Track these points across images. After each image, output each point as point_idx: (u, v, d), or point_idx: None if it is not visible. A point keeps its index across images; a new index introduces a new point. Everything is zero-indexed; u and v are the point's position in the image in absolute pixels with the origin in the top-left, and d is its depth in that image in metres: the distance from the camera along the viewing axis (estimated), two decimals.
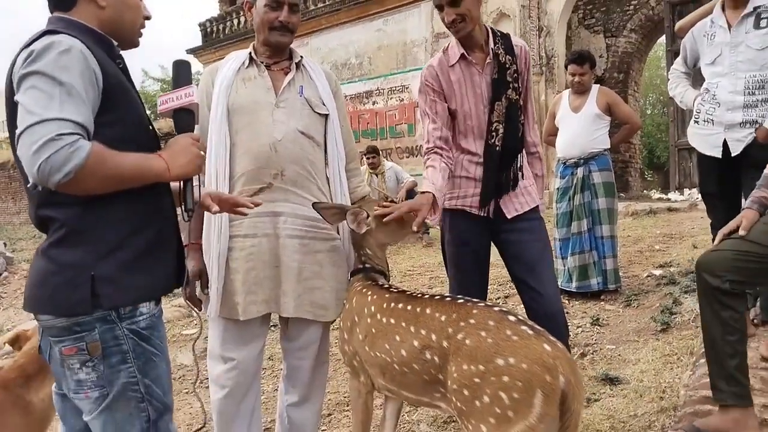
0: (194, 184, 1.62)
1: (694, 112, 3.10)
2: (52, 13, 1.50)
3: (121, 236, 1.44)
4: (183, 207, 1.59)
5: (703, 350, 2.48)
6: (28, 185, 1.36)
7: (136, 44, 1.61)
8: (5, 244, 7.95)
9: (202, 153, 1.54)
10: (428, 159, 2.30)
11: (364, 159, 8.21)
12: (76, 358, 1.42)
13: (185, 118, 1.59)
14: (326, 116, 2.22)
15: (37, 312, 1.44)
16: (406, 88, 11.83)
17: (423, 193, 2.19)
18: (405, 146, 11.16)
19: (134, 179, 1.42)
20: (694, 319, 3.44)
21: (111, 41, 1.50)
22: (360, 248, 2.18)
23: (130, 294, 1.46)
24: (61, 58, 1.31)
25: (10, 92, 1.36)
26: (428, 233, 7.69)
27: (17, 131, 1.28)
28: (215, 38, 15.31)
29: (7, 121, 1.40)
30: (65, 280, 1.39)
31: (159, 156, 1.45)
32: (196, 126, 1.66)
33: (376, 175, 8.03)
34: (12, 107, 1.35)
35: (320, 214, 2.13)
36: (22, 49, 1.36)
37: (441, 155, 2.28)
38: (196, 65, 16.68)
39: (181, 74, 1.64)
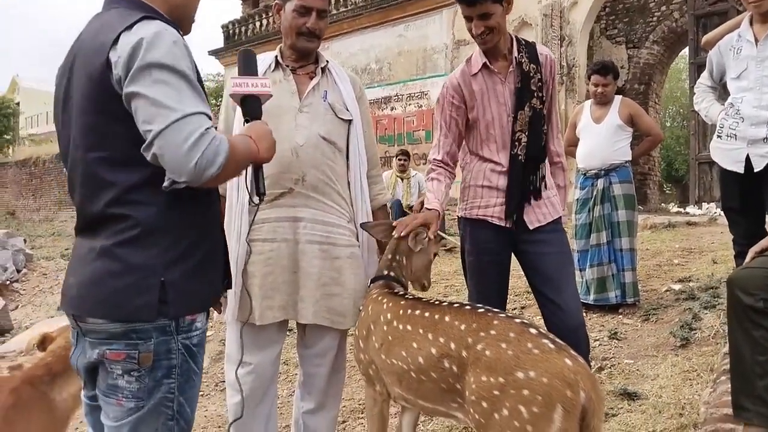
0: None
1: (718, 127, 3.06)
2: None
3: (190, 242, 1.40)
4: (256, 191, 1.58)
5: (725, 367, 2.44)
6: (165, 184, 1.30)
7: (189, 32, 1.58)
8: (25, 241, 8.05)
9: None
10: (433, 171, 2.37)
11: (395, 160, 8.23)
12: (120, 364, 1.35)
13: (255, 105, 1.59)
14: (349, 122, 2.22)
15: (88, 314, 1.36)
16: (425, 94, 11.83)
17: (429, 210, 2.24)
18: (422, 152, 11.13)
19: (246, 163, 1.43)
20: (714, 335, 3.39)
21: (179, 29, 1.42)
22: (392, 253, 2.18)
23: (192, 303, 1.42)
24: (174, 48, 1.29)
25: (100, 73, 1.29)
26: (444, 238, 7.68)
27: (156, 126, 1.24)
28: (237, 40, 15.43)
29: (83, 104, 1.34)
30: (130, 282, 1.32)
31: (251, 138, 1.43)
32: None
33: (402, 180, 8.03)
34: (93, 89, 1.31)
35: (369, 233, 2.21)
36: (119, 34, 1.29)
37: (446, 168, 2.36)
38: (218, 67, 16.83)
39: (250, 63, 1.67)
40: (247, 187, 1.70)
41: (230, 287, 1.72)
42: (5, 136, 27.44)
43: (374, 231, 2.24)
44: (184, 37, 1.49)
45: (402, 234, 2.13)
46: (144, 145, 1.27)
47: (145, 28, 1.29)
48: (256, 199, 1.61)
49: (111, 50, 1.29)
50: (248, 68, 1.67)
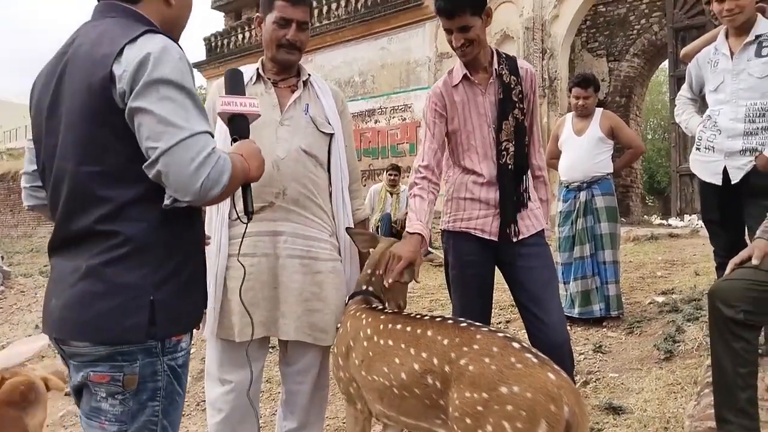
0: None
1: (696, 139, 3.09)
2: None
3: (179, 260, 1.37)
4: (244, 209, 1.56)
5: (708, 380, 2.43)
6: (165, 203, 1.29)
7: (178, 40, 1.54)
8: (2, 258, 7.90)
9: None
10: (416, 185, 2.29)
11: (386, 175, 8.22)
12: (104, 387, 1.31)
13: (243, 124, 1.58)
14: (331, 135, 2.20)
15: (72, 338, 1.31)
16: (409, 107, 11.86)
17: (412, 234, 2.14)
18: (406, 165, 11.12)
19: (241, 181, 1.40)
20: (697, 348, 3.40)
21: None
22: (371, 268, 2.15)
23: (180, 323, 1.39)
24: (180, 64, 1.28)
25: (102, 86, 1.26)
26: (431, 252, 7.66)
27: (162, 144, 1.21)
28: (219, 53, 15.39)
29: (80, 116, 1.30)
30: (118, 303, 1.28)
31: (242, 157, 1.41)
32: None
33: (392, 195, 8.01)
34: (93, 101, 1.27)
35: (352, 239, 2.19)
36: (123, 47, 1.26)
37: (430, 179, 2.28)
38: (199, 79, 16.78)
39: (236, 82, 1.68)
40: (233, 206, 1.68)
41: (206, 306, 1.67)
42: None
43: (357, 239, 2.22)
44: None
45: (390, 282, 2.05)
46: (147, 163, 1.24)
47: (150, 42, 1.27)
48: (245, 219, 1.58)
49: (115, 63, 1.25)
50: (235, 87, 1.66)
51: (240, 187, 1.49)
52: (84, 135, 1.29)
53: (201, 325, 2.09)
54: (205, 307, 1.61)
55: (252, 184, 1.94)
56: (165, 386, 1.35)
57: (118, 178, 1.30)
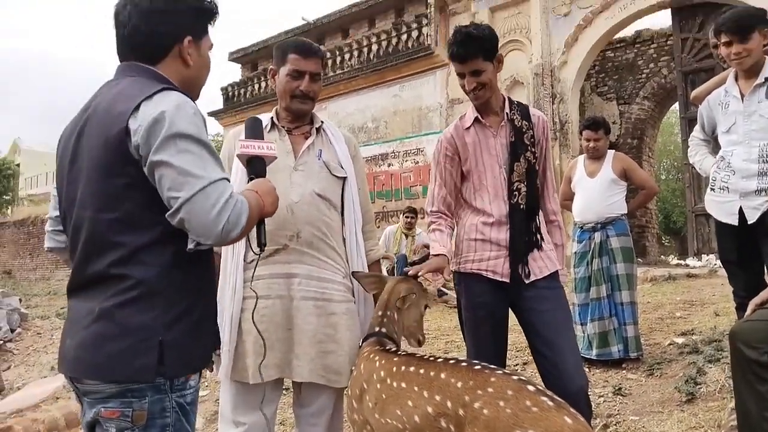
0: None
1: (711, 179, 3.09)
2: (125, 59, 1.51)
3: (188, 302, 1.42)
4: (257, 241, 1.66)
5: (732, 423, 2.38)
6: (189, 246, 1.36)
7: (197, 100, 1.64)
8: (20, 300, 7.97)
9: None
10: (433, 222, 2.40)
11: (402, 218, 8.28)
12: (114, 422, 1.34)
13: (260, 165, 1.70)
14: (344, 179, 2.24)
15: (86, 377, 1.36)
16: (421, 150, 11.99)
17: (436, 255, 2.27)
18: (419, 207, 11.20)
19: (258, 218, 1.50)
20: (719, 390, 3.32)
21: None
22: (383, 309, 2.16)
23: (191, 363, 1.43)
24: (195, 118, 1.36)
25: (118, 140, 1.34)
26: (446, 293, 7.62)
27: (184, 194, 1.29)
28: (236, 102, 15.74)
29: (97, 167, 1.38)
30: (129, 344, 1.33)
31: (257, 193, 1.51)
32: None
33: (407, 237, 8.03)
34: (109, 154, 1.35)
35: (359, 283, 2.21)
36: (139, 103, 1.34)
37: (445, 219, 2.39)
38: (217, 127, 17.11)
39: (256, 128, 1.82)
40: (248, 240, 1.76)
41: (218, 347, 1.72)
42: (5, 196, 27.64)
43: (365, 281, 2.23)
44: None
45: (413, 273, 2.22)
46: (170, 211, 1.31)
47: (166, 99, 1.35)
48: (257, 250, 1.68)
49: (131, 118, 1.33)
50: (255, 132, 1.79)
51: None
52: (101, 185, 1.37)
53: (215, 367, 2.10)
54: (216, 348, 1.65)
55: (267, 228, 2.00)
56: (173, 423, 1.39)
57: (133, 225, 1.37)
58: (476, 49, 2.22)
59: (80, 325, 1.37)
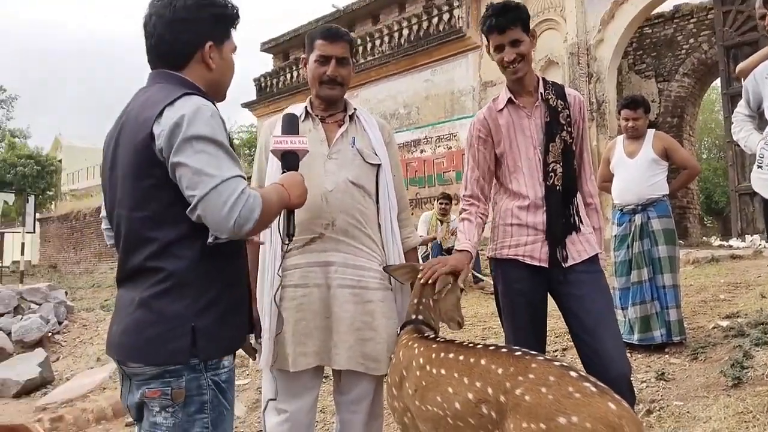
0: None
1: (758, 157, 2.98)
2: (155, 67, 1.64)
3: (218, 291, 1.53)
4: (286, 231, 1.79)
5: None
6: (209, 240, 1.46)
7: (224, 99, 1.75)
8: (66, 293, 8.22)
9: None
10: (465, 210, 2.38)
11: (437, 204, 8.26)
12: (157, 401, 1.47)
13: (293, 159, 1.78)
14: (378, 166, 2.23)
15: (129, 359, 1.50)
16: (454, 136, 11.90)
17: (460, 251, 2.26)
18: (453, 193, 11.17)
19: (279, 209, 1.61)
20: (767, 374, 3.23)
21: (213, 101, 1.61)
22: (418, 297, 2.15)
23: (221, 346, 1.55)
24: (212, 121, 1.46)
25: (144, 144, 1.46)
26: (483, 280, 7.58)
27: (199, 192, 1.39)
28: (269, 92, 15.86)
29: (129, 170, 1.51)
30: (165, 330, 1.46)
31: (282, 186, 1.63)
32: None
33: (442, 223, 8.02)
34: (138, 157, 1.47)
35: (392, 276, 2.20)
36: (162, 109, 1.45)
37: (477, 206, 2.37)
38: (250, 118, 17.26)
39: (292, 124, 1.89)
40: (279, 230, 1.84)
41: (252, 332, 1.84)
42: (48, 192, 28.45)
43: (397, 274, 2.21)
44: (220, 102, 1.72)
45: (426, 281, 2.13)
46: (189, 208, 1.43)
47: (186, 104, 1.46)
48: (286, 240, 1.80)
49: (155, 123, 1.45)
50: (290, 128, 1.86)
51: (284, 213, 1.74)
52: (133, 186, 1.51)
53: (257, 355, 2.13)
54: (249, 332, 1.76)
55: (302, 218, 2.04)
56: (211, 399, 1.51)
57: (162, 221, 1.49)
58: (515, 18, 2.22)
59: (124, 312, 1.52)
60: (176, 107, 1.45)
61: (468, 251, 2.24)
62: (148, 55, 1.63)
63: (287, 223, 1.77)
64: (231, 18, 1.67)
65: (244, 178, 1.47)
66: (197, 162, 1.41)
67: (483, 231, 2.35)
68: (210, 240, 1.46)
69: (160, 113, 1.45)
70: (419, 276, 2.16)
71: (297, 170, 1.75)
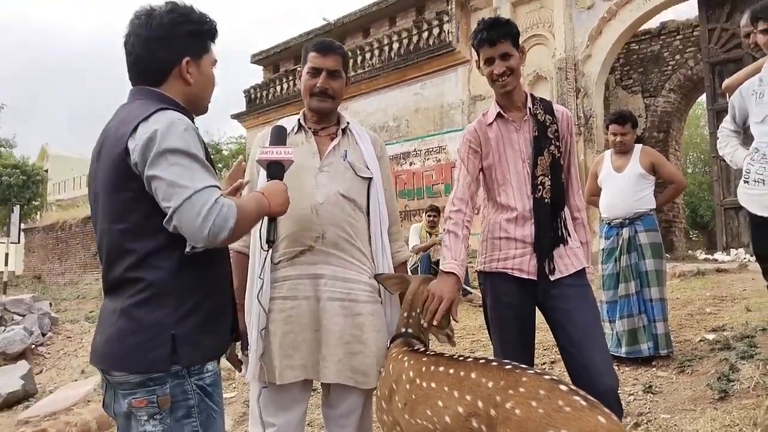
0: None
1: (744, 172, 3.02)
2: (135, 84, 1.67)
3: (198, 299, 1.57)
4: (267, 238, 1.80)
5: None
6: (187, 250, 1.49)
7: (206, 112, 1.79)
8: (51, 305, 8.12)
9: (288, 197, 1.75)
10: (450, 219, 2.31)
11: (425, 217, 8.25)
12: (144, 410, 1.49)
13: (278, 169, 1.82)
14: (369, 179, 2.23)
15: (112, 369, 1.52)
16: (443, 148, 11.95)
17: (447, 273, 2.18)
18: (442, 205, 11.18)
19: (258, 218, 1.64)
20: (753, 387, 3.25)
21: (191, 115, 1.67)
22: (408, 311, 2.15)
23: (202, 353, 1.57)
24: (185, 134, 1.49)
25: (120, 159, 1.49)
26: (471, 293, 7.58)
27: (173, 203, 1.42)
28: (258, 104, 15.86)
29: (108, 184, 1.55)
30: (145, 339, 1.48)
31: (263, 195, 1.66)
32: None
33: (430, 235, 8.02)
34: (115, 171, 1.51)
35: (382, 285, 2.19)
36: (137, 125, 1.49)
37: (465, 213, 2.31)
38: (240, 130, 17.25)
39: (279, 136, 1.94)
40: (260, 235, 1.86)
41: (238, 340, 1.87)
42: (33, 202, 28.17)
43: (387, 283, 2.21)
44: (201, 116, 1.78)
45: (430, 323, 2.10)
46: (165, 219, 1.46)
47: (160, 119, 1.50)
48: (265, 246, 1.83)
49: (129, 139, 1.49)
50: (277, 140, 1.90)
51: (266, 220, 1.78)
52: (112, 199, 1.55)
53: (243, 367, 2.11)
54: (233, 339, 1.79)
55: (292, 230, 2.07)
56: (198, 403, 1.54)
57: (141, 233, 1.52)
58: (505, 32, 2.26)
59: (108, 322, 1.55)
60: (150, 122, 1.49)
61: (456, 276, 2.17)
62: (129, 73, 1.68)
63: (268, 230, 1.80)
64: (208, 33, 1.70)
65: (219, 188, 1.50)
66: (171, 174, 1.44)
67: (469, 242, 2.32)
68: (188, 249, 1.49)
69: (135, 128, 1.49)
70: (423, 322, 2.12)
71: (282, 180, 1.79)
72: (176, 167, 1.45)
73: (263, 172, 2.13)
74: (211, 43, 1.72)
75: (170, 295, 1.51)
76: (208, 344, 1.59)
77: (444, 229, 2.35)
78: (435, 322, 2.07)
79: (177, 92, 1.65)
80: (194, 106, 1.71)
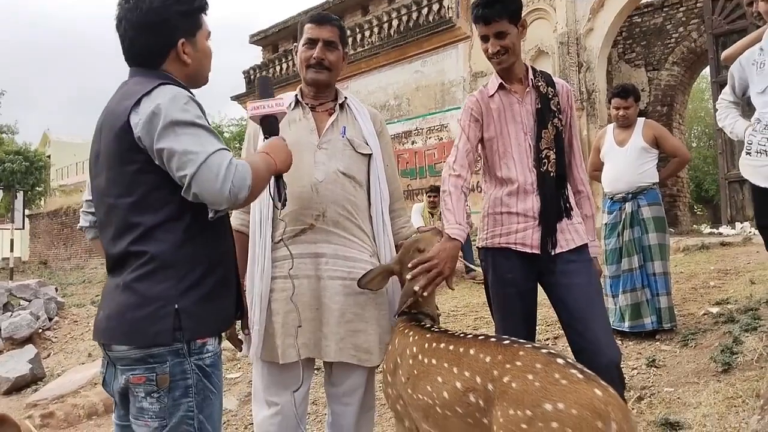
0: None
1: (746, 143, 2.98)
2: (133, 65, 1.66)
3: (201, 272, 1.56)
4: (278, 197, 1.79)
5: None
6: (210, 215, 1.52)
7: (207, 81, 1.77)
8: (57, 289, 8.16)
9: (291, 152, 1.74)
10: (449, 182, 2.22)
11: (425, 197, 8.23)
12: (142, 387, 1.50)
13: (273, 123, 1.78)
14: (369, 156, 2.21)
15: (113, 342, 1.52)
16: (445, 127, 11.89)
17: (451, 240, 2.09)
18: None
19: (268, 177, 1.63)
20: (757, 359, 3.25)
21: (191, 92, 1.63)
22: (411, 294, 2.10)
23: (205, 327, 1.57)
24: (187, 106, 1.50)
25: (123, 132, 1.50)
26: (474, 270, 7.58)
27: (189, 170, 1.42)
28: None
29: (112, 158, 1.54)
30: (148, 312, 1.48)
31: (267, 154, 1.65)
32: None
33: (432, 216, 8.01)
34: (118, 145, 1.52)
35: (367, 289, 2.08)
36: (140, 98, 1.49)
37: (465, 178, 2.24)
38: (240, 111, 17.16)
39: (264, 85, 1.87)
40: (270, 196, 1.82)
41: (242, 317, 1.86)
42: (37, 188, 28.23)
43: (371, 285, 2.08)
44: (203, 86, 1.76)
45: (422, 289, 2.01)
46: (184, 189, 1.46)
47: (162, 93, 1.50)
48: (279, 205, 1.79)
49: (132, 113, 1.49)
50: (264, 92, 1.83)
51: (273, 180, 1.74)
52: (117, 173, 1.54)
53: (245, 346, 2.11)
54: (237, 316, 1.77)
55: (292, 208, 2.04)
56: (195, 383, 1.53)
57: (146, 206, 1.52)
58: (502, 9, 2.18)
59: (110, 297, 1.56)
60: (152, 97, 1.49)
61: (458, 241, 2.11)
62: (125, 55, 1.66)
63: (278, 188, 1.77)
64: (199, 8, 1.67)
65: (229, 150, 1.50)
66: (181, 144, 1.44)
67: (466, 206, 2.26)
68: (211, 215, 1.52)
69: (137, 102, 1.49)
70: (416, 287, 2.03)
71: (278, 134, 1.76)
72: (185, 136, 1.45)
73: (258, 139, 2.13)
74: (203, 16, 1.69)
75: (174, 267, 1.51)
76: (212, 318, 1.59)
77: (443, 190, 2.25)
78: (426, 293, 2.02)
79: (176, 71, 1.65)
80: (195, 82, 1.71)
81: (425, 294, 2.04)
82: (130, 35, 1.62)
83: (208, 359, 1.57)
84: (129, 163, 1.52)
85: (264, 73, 15.74)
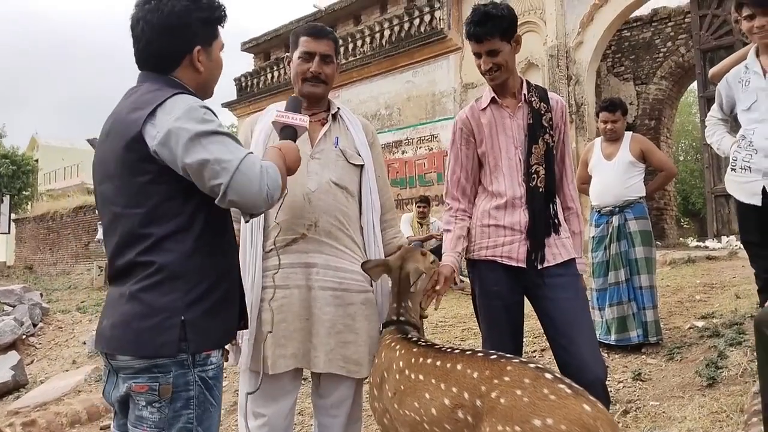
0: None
1: (731, 159, 3.02)
2: (144, 69, 1.65)
3: (208, 285, 1.56)
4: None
5: (756, 407, 2.34)
6: (245, 219, 1.57)
7: (211, 96, 1.78)
8: (42, 295, 8.08)
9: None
10: (444, 216, 2.43)
11: (414, 207, 8.25)
12: (143, 396, 1.49)
13: (292, 134, 1.83)
14: (361, 167, 2.22)
15: (118, 352, 1.51)
16: (435, 137, 11.91)
17: (444, 265, 2.28)
18: (434, 194, 11.14)
19: (285, 173, 1.63)
20: (741, 374, 3.27)
21: (201, 100, 1.63)
22: (401, 299, 2.14)
23: (210, 340, 1.57)
24: (205, 117, 1.50)
25: (134, 142, 1.49)
26: (462, 281, 7.59)
27: (224, 179, 1.43)
28: (249, 92, 15.73)
29: (121, 168, 1.52)
30: (154, 323, 1.47)
31: (279, 149, 1.67)
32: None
33: (421, 226, 8.01)
34: (129, 155, 1.50)
35: (367, 273, 2.17)
36: (154, 109, 1.48)
37: (459, 210, 2.39)
38: (231, 118, 17.14)
39: (295, 105, 1.92)
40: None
41: (247, 327, 1.85)
42: (24, 192, 27.97)
43: (372, 272, 2.18)
44: (208, 99, 1.74)
45: (430, 302, 2.22)
46: (218, 198, 1.46)
47: (177, 105, 1.49)
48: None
49: (148, 123, 1.48)
50: (294, 107, 1.89)
51: None
52: (126, 182, 1.53)
53: (232, 357, 2.10)
54: (240, 324, 1.76)
55: (284, 218, 2.07)
56: (197, 395, 1.52)
57: (157, 217, 1.51)
58: (493, 28, 2.19)
59: (114, 306, 1.54)
60: (167, 108, 1.48)
61: (449, 265, 2.27)
62: (137, 58, 1.64)
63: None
64: (218, 19, 1.68)
65: (253, 153, 1.53)
66: (212, 153, 1.44)
67: (464, 233, 2.36)
68: (246, 219, 1.55)
69: (152, 112, 1.48)
70: (422, 304, 2.21)
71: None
72: (212, 146, 1.45)
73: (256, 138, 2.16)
74: (220, 27, 1.70)
75: (181, 279, 1.50)
76: (217, 331, 1.58)
77: (443, 229, 2.44)
78: (426, 305, 2.17)
79: (188, 79, 1.64)
80: (204, 92, 1.70)
81: (422, 306, 2.15)
82: (147, 36, 1.60)
83: (211, 371, 1.57)
84: (140, 174, 1.50)
85: (255, 80, 15.72)
